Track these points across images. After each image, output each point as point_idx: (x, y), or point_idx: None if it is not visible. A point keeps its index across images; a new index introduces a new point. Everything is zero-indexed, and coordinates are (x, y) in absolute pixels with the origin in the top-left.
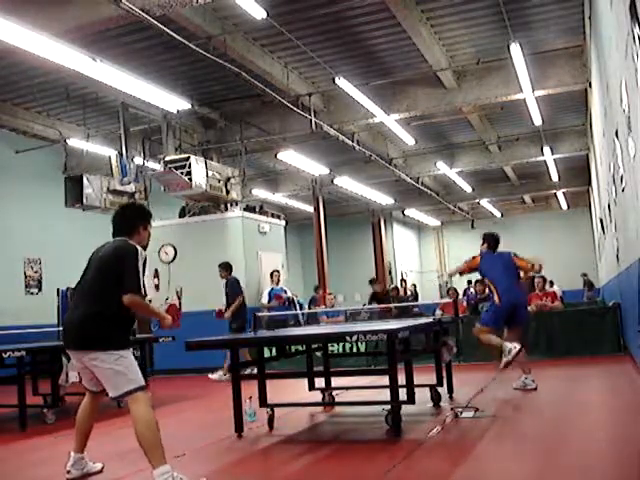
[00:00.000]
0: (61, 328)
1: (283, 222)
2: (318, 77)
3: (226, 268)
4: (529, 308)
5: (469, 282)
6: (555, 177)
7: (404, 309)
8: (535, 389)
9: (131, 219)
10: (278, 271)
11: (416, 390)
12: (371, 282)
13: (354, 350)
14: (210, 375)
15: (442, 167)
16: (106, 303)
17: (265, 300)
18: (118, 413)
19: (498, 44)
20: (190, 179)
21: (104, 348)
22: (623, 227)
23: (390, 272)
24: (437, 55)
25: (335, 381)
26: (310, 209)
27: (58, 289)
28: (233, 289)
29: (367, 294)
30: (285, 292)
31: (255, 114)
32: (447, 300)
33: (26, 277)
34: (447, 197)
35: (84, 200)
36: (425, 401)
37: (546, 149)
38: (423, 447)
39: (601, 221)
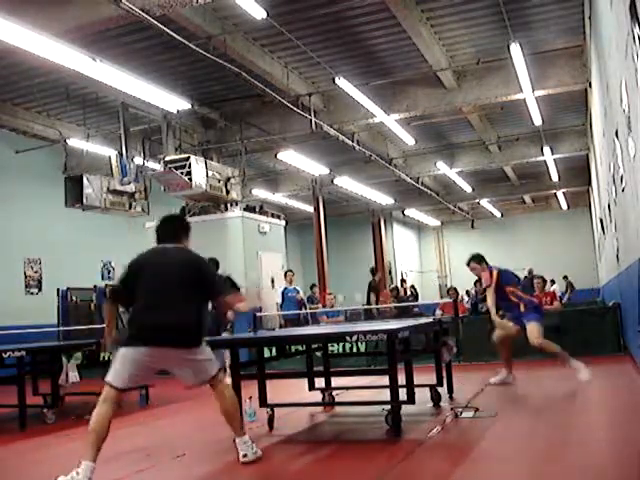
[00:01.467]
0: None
1: (283, 222)
2: (318, 77)
3: (215, 265)
4: None
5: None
6: (555, 177)
7: (404, 309)
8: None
9: (180, 229)
10: (292, 271)
11: (416, 390)
12: (372, 272)
13: (354, 350)
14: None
15: (442, 167)
16: (199, 305)
17: (279, 300)
18: (118, 414)
19: (498, 44)
20: (190, 179)
21: (202, 343)
22: (623, 227)
23: (390, 272)
24: (437, 55)
25: (335, 381)
26: (310, 209)
27: (58, 289)
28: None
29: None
30: (298, 292)
31: (255, 114)
32: (447, 300)
33: (26, 277)
34: (447, 197)
35: (84, 200)
36: (425, 401)
37: (546, 149)
38: (423, 447)
39: (601, 221)
